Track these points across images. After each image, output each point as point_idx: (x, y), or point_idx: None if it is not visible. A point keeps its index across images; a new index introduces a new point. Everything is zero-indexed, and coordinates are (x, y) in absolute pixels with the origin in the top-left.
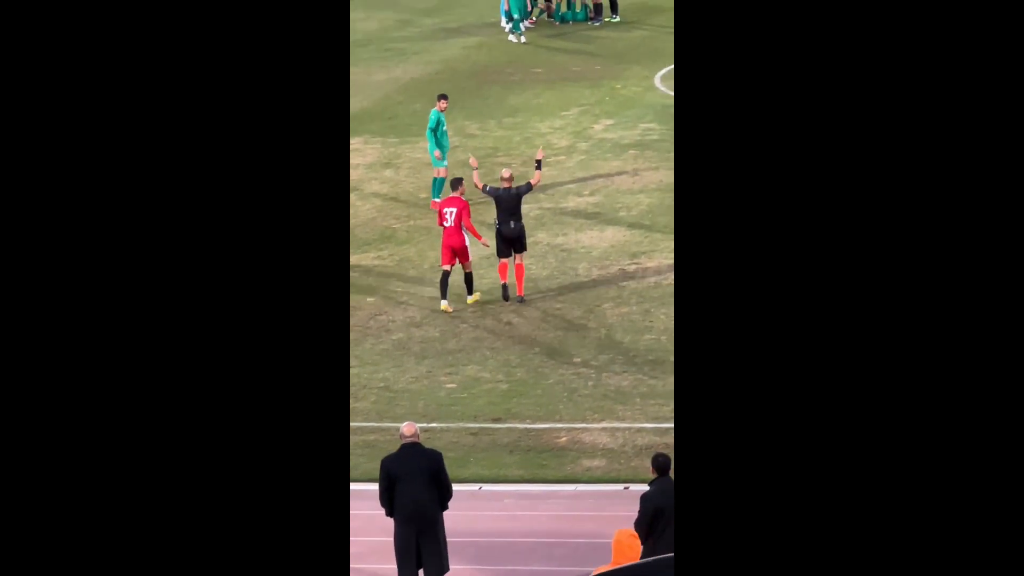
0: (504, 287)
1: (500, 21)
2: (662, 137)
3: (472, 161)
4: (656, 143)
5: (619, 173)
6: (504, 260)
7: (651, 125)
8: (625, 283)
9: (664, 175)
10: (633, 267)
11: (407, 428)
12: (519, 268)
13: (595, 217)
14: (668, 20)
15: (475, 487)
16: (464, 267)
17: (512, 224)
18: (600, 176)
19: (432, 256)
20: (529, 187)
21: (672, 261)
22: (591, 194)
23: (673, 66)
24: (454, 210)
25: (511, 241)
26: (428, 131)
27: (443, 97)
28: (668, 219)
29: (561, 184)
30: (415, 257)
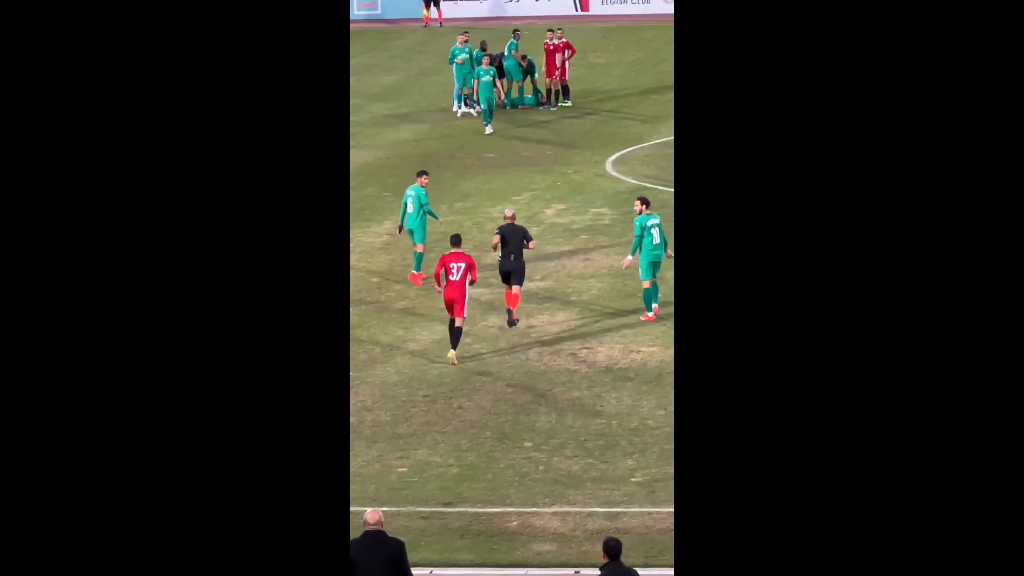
0: (508, 311)
1: (452, 106)
2: (613, 222)
3: (495, 239)
4: (607, 228)
5: (570, 258)
6: (507, 289)
7: (602, 210)
8: (576, 367)
9: (615, 260)
10: (584, 351)
11: (371, 515)
12: (515, 296)
13: (546, 301)
14: (619, 106)
15: (426, 571)
16: (456, 320)
17: (512, 258)
18: (551, 260)
19: (383, 339)
20: (530, 237)
21: (623, 345)
22: (542, 278)
23: (622, 152)
24: (462, 265)
25: (508, 273)
26: (424, 208)
27: (423, 173)
28: (619, 303)
29: None
30: (365, 340)
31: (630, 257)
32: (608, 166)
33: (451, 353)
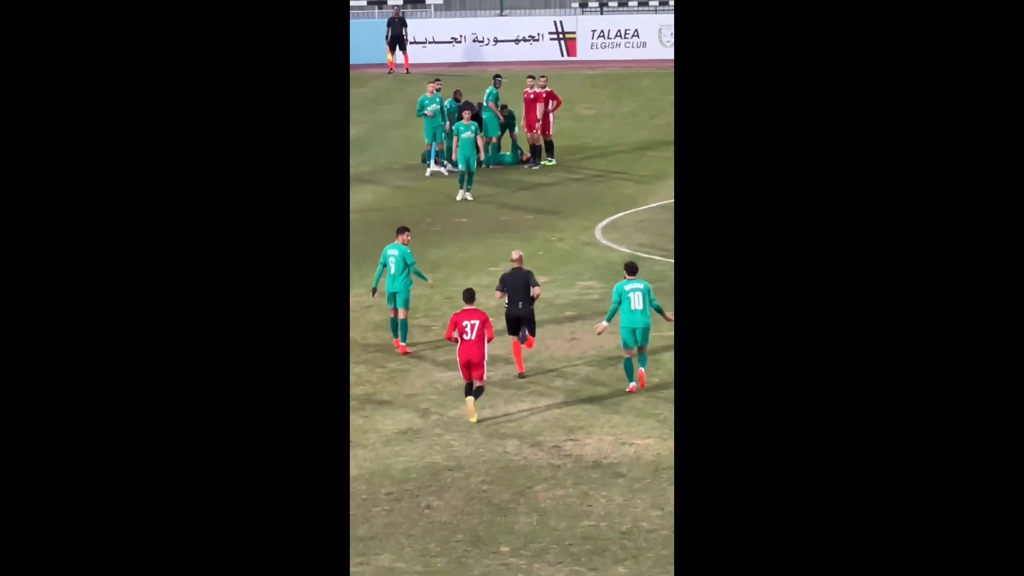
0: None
1: (421, 163)
2: (603, 296)
3: (498, 295)
4: (596, 303)
5: (554, 337)
6: (515, 339)
7: (590, 283)
8: (560, 462)
9: (605, 340)
10: (569, 444)
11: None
12: (526, 344)
13: (527, 386)
14: (609, 165)
15: None
16: (476, 380)
17: (520, 305)
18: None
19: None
20: (535, 283)
21: (614, 437)
22: (523, 360)
23: (613, 217)
24: (476, 323)
25: (517, 320)
26: (411, 267)
27: (404, 230)
28: (609, 388)
29: (488, 350)
30: None
31: (604, 323)
32: (597, 233)
33: (471, 406)
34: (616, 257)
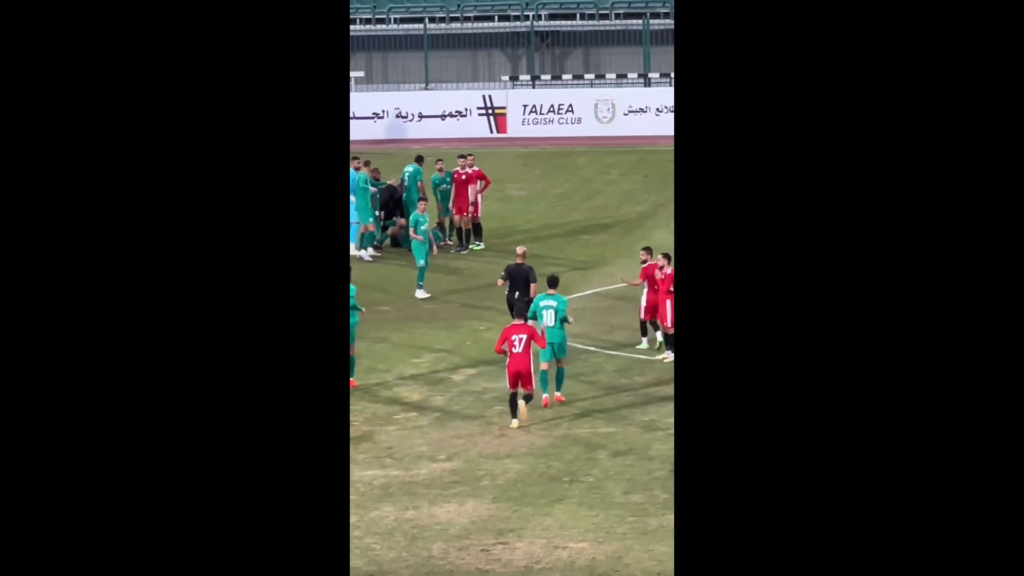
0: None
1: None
2: (534, 390)
3: (499, 282)
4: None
5: (483, 434)
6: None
7: None
8: (489, 567)
9: (536, 437)
10: (499, 547)
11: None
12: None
13: (453, 487)
14: (541, 249)
15: None
16: (525, 389)
17: (517, 295)
18: (459, 437)
19: None
20: (533, 279)
21: (546, 540)
22: (448, 459)
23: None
24: (524, 336)
25: (512, 308)
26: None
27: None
28: (541, 488)
29: (412, 447)
30: None
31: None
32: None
33: (515, 422)
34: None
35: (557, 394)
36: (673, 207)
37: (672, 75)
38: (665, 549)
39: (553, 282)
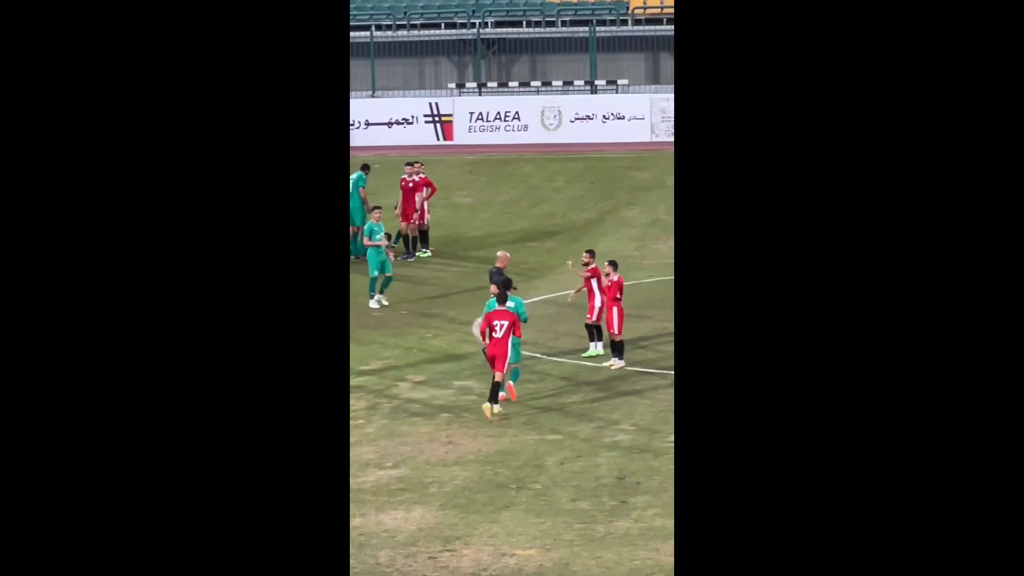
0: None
1: None
2: (480, 398)
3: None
4: (474, 404)
5: (429, 441)
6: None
7: (468, 383)
8: (436, 574)
9: (483, 443)
10: (446, 555)
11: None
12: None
13: (400, 494)
14: (488, 256)
15: None
16: (495, 375)
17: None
18: (406, 444)
19: None
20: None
21: (493, 547)
22: (395, 466)
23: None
24: (505, 323)
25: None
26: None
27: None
28: (488, 495)
29: (359, 454)
30: None
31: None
32: (475, 330)
33: (486, 405)
34: None
35: (510, 383)
36: (619, 214)
37: (618, 82)
38: (612, 556)
39: (508, 284)
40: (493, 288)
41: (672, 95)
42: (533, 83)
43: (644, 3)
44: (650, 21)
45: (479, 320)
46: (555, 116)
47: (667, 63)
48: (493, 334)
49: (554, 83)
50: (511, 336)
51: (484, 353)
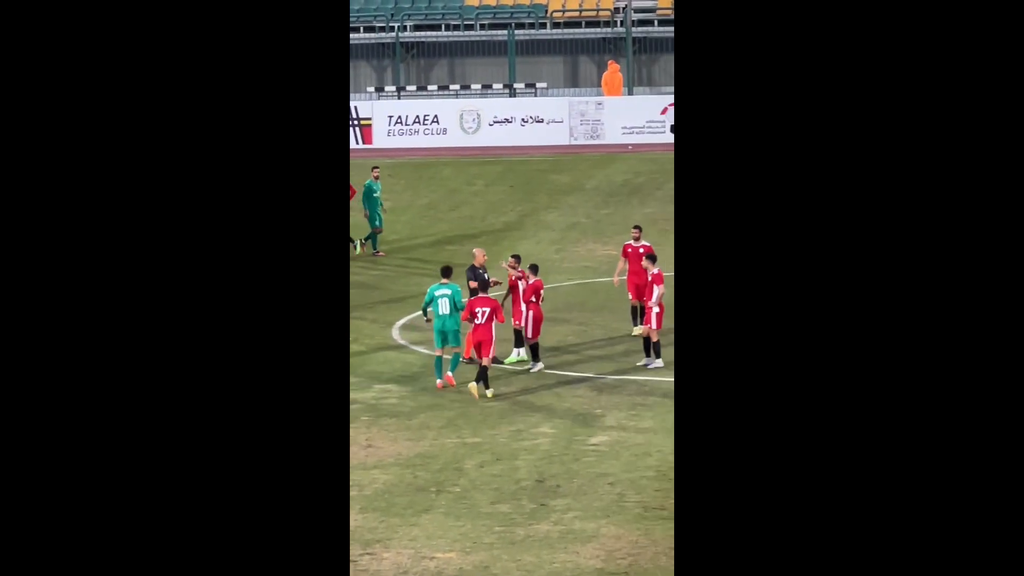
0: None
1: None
2: (401, 400)
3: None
4: (394, 407)
5: (350, 444)
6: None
7: (388, 386)
8: None
9: (404, 447)
10: (366, 558)
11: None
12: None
13: None
14: (407, 260)
15: None
16: (482, 360)
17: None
18: None
19: None
20: (485, 285)
21: (413, 550)
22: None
23: (413, 315)
24: (487, 309)
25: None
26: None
27: (449, 271)
28: (408, 499)
29: None
30: None
31: (425, 318)
32: (395, 333)
33: (472, 385)
34: (414, 359)
35: (448, 374)
36: (538, 217)
37: (537, 85)
38: (532, 559)
39: (447, 272)
40: (472, 284)
41: (589, 98)
42: (452, 86)
43: (563, 6)
44: (568, 24)
45: (402, 321)
46: (474, 119)
47: (586, 66)
48: (476, 320)
49: (473, 86)
50: (449, 317)
51: (466, 341)
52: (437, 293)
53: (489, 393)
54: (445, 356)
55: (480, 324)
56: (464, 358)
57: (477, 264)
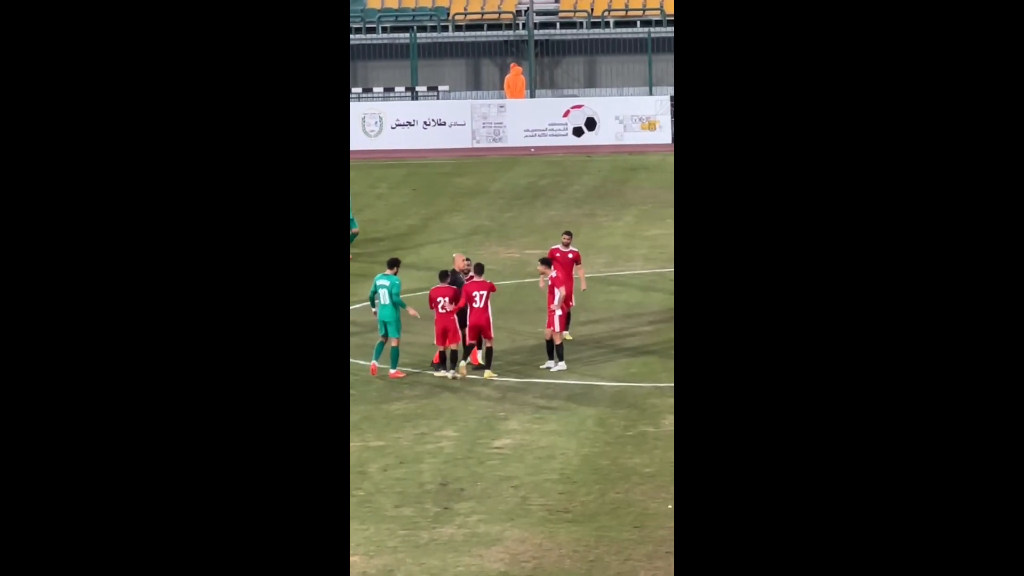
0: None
1: None
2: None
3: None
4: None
5: None
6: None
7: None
8: None
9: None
10: None
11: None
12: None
13: None
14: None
15: None
16: (485, 342)
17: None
18: None
19: None
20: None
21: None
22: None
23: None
24: (484, 292)
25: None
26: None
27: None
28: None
29: None
30: None
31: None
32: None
33: (462, 364)
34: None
35: (392, 371)
36: (441, 220)
37: (439, 88)
38: (437, 562)
39: (392, 263)
40: (450, 288)
41: (491, 101)
42: (354, 89)
43: (465, 9)
44: (471, 27)
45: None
46: (376, 122)
47: (488, 69)
48: (473, 304)
49: (375, 89)
50: (389, 307)
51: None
52: (379, 283)
53: (488, 374)
54: (390, 345)
55: (478, 308)
56: (434, 361)
57: (458, 269)
